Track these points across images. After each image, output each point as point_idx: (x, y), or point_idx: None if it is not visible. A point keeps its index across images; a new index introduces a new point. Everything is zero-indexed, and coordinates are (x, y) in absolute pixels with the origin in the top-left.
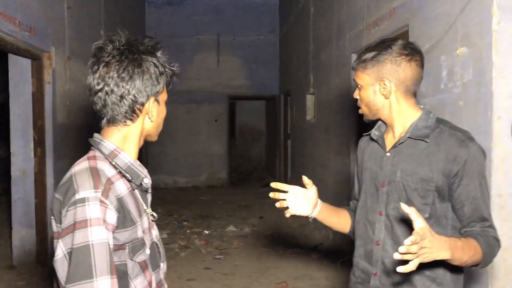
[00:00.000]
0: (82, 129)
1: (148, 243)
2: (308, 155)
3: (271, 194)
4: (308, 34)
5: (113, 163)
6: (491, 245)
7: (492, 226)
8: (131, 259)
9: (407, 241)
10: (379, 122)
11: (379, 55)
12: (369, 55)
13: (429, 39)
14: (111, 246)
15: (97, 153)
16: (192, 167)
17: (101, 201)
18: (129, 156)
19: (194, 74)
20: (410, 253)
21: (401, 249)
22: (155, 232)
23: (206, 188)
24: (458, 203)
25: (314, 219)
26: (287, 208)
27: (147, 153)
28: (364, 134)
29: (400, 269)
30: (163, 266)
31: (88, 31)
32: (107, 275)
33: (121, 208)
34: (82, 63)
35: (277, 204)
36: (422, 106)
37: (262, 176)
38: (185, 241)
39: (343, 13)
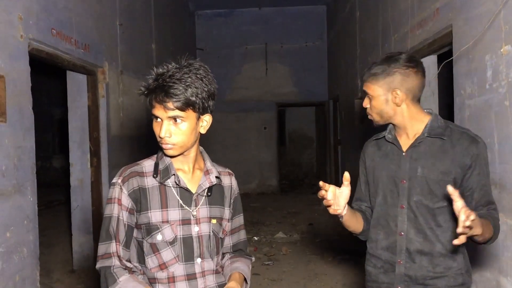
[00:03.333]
0: (134, 140)
1: (170, 232)
2: (357, 160)
3: (320, 194)
4: (355, 38)
5: (156, 162)
6: (497, 225)
7: (496, 209)
8: (143, 239)
9: (472, 216)
10: (390, 126)
11: (389, 68)
12: (379, 68)
13: (472, 39)
14: (125, 222)
15: (157, 154)
16: (242, 174)
17: (120, 187)
18: (169, 159)
19: (243, 83)
20: (469, 227)
21: (467, 223)
22: (198, 229)
23: (257, 195)
24: (469, 190)
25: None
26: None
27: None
28: (370, 139)
29: (456, 241)
30: (201, 262)
31: (140, 46)
32: (116, 240)
33: (139, 195)
34: (134, 77)
35: (325, 202)
36: (428, 110)
37: (312, 183)
38: None
39: (388, 16)
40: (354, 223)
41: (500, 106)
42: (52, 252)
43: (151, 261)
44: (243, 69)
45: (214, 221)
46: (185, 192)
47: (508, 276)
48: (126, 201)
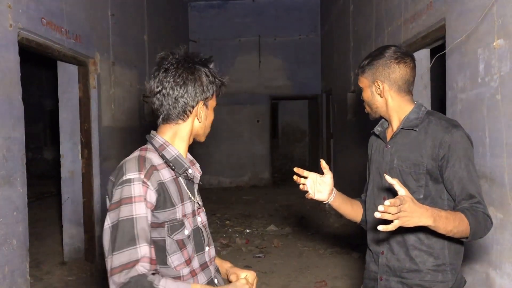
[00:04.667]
0: (126, 131)
1: (189, 226)
2: (349, 153)
3: (294, 178)
4: (348, 31)
5: (161, 154)
6: (479, 219)
7: (480, 202)
8: (169, 237)
9: (387, 202)
10: (382, 119)
11: (373, 60)
12: (366, 61)
13: (465, 32)
14: (149, 221)
15: (149, 146)
16: (235, 167)
17: (144, 182)
18: (176, 149)
19: (236, 76)
20: (389, 213)
21: (380, 208)
22: (200, 218)
23: (249, 188)
24: (449, 184)
25: (330, 206)
26: (307, 192)
27: (193, 154)
28: (371, 131)
29: (381, 227)
30: (208, 250)
31: (132, 37)
32: (146, 243)
33: (162, 191)
34: (126, 68)
35: (300, 187)
36: (416, 102)
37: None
38: (227, 240)
39: (381, 9)
40: (349, 211)
41: (492, 100)
42: (43, 244)
43: (177, 259)
44: (236, 62)
45: (203, 208)
46: (189, 183)
47: (497, 268)
48: (153, 199)
